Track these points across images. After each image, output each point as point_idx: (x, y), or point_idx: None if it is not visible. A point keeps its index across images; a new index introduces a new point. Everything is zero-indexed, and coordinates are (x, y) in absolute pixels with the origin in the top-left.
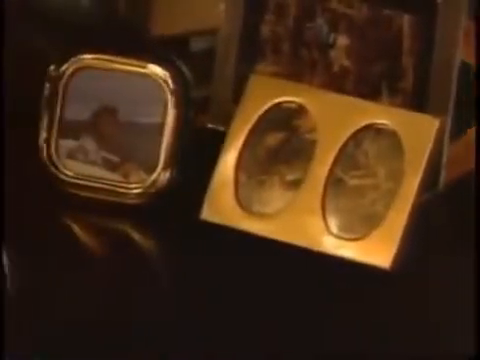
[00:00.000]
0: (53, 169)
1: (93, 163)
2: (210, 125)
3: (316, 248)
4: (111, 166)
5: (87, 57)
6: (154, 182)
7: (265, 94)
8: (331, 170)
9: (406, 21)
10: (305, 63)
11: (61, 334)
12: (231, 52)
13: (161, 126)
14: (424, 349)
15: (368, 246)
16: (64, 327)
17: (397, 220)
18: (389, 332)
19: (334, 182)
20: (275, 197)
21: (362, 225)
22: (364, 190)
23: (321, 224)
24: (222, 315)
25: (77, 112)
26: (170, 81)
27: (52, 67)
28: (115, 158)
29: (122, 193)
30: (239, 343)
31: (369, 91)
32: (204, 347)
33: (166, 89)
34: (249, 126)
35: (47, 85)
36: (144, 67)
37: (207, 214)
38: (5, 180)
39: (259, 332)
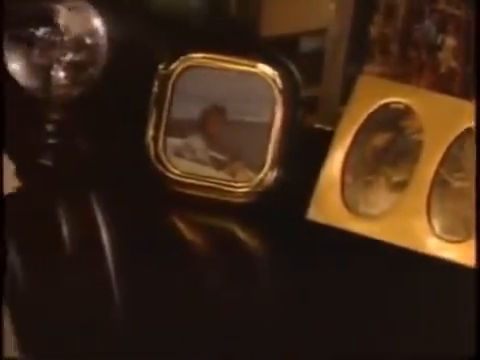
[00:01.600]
0: (160, 167)
1: (200, 161)
2: (317, 125)
3: (420, 249)
4: (218, 165)
5: (196, 56)
6: (261, 181)
7: (373, 95)
8: (437, 171)
9: None
10: (413, 64)
11: (165, 333)
12: (340, 52)
13: (269, 125)
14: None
15: (471, 249)
16: (169, 326)
17: None
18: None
19: (439, 184)
20: (381, 198)
21: (465, 227)
22: (468, 192)
23: (425, 226)
24: (327, 314)
25: (185, 110)
26: (279, 81)
27: (161, 66)
28: (222, 157)
29: (229, 192)
30: (342, 342)
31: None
32: (308, 346)
33: (275, 89)
34: (356, 126)
35: (156, 83)
36: (253, 66)
37: (313, 214)
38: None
39: (362, 331)
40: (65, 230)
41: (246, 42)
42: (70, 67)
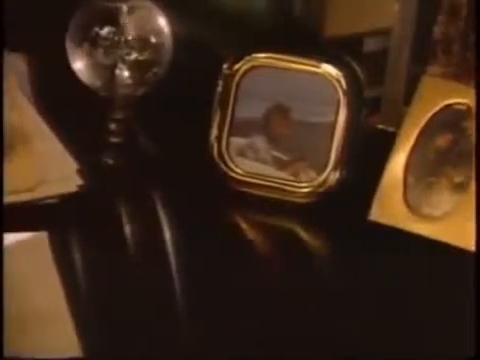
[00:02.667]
0: (223, 166)
1: (263, 161)
2: (381, 126)
3: None
4: (281, 164)
5: (260, 56)
6: (323, 181)
7: (435, 95)
8: None
9: None
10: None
11: (226, 333)
12: (404, 53)
13: (332, 126)
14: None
15: None
16: (230, 326)
17: None
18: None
19: None
20: (443, 199)
21: None
22: None
23: None
24: (389, 315)
25: (249, 110)
26: (343, 81)
27: (226, 65)
28: (285, 157)
29: (291, 192)
30: (397, 344)
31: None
32: (365, 346)
33: (339, 89)
34: (419, 128)
35: (220, 83)
36: (318, 67)
37: (376, 215)
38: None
39: (417, 332)
40: (127, 229)
41: (310, 42)
42: (134, 66)
